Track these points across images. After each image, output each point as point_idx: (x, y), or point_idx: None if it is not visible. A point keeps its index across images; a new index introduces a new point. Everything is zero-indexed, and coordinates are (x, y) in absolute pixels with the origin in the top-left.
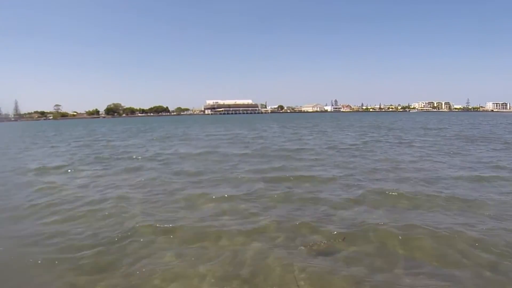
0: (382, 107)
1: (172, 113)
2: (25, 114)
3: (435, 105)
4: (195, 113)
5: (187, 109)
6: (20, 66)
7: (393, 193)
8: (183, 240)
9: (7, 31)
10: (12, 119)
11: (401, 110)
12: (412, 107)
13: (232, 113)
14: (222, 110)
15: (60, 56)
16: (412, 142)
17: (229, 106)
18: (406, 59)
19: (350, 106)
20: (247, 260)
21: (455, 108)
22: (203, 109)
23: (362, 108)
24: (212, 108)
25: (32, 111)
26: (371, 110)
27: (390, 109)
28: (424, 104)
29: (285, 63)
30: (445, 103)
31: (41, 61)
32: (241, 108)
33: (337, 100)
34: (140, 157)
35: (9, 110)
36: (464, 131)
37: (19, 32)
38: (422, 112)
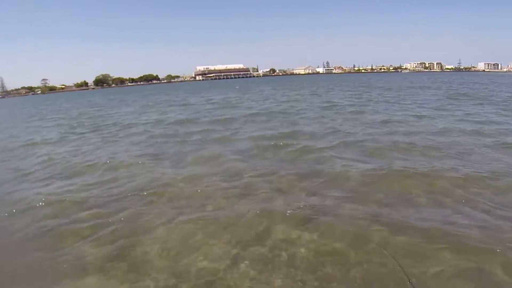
0: (374, 67)
1: (163, 81)
2: (12, 90)
3: (427, 65)
4: (186, 79)
5: (177, 76)
6: (3, 41)
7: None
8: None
9: None
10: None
11: (393, 70)
12: (404, 67)
13: (223, 78)
14: (213, 76)
15: (45, 29)
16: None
17: (220, 71)
18: (398, 18)
19: (342, 68)
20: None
21: (447, 68)
22: (193, 76)
23: (354, 69)
24: (203, 74)
25: (20, 87)
26: (363, 71)
27: (382, 70)
28: (416, 64)
29: (276, 26)
30: (436, 63)
31: (25, 35)
32: (232, 73)
33: (328, 62)
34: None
35: None
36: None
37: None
38: (414, 72)
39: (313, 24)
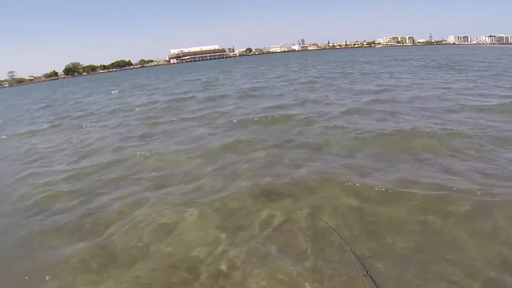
0: (348, 43)
1: (136, 66)
2: None
3: (399, 39)
4: (160, 63)
5: (151, 61)
6: None
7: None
8: None
9: None
10: None
11: (366, 46)
12: (378, 42)
13: (199, 60)
14: (188, 58)
15: (10, 18)
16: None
17: (195, 53)
18: None
19: (317, 45)
20: None
21: (419, 42)
22: (168, 59)
23: (329, 46)
24: (178, 57)
25: None
26: (337, 47)
27: (356, 46)
28: (389, 39)
29: (250, 5)
30: (408, 37)
31: None
32: (208, 54)
33: (304, 39)
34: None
35: None
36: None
37: None
38: (387, 47)
39: (287, 2)
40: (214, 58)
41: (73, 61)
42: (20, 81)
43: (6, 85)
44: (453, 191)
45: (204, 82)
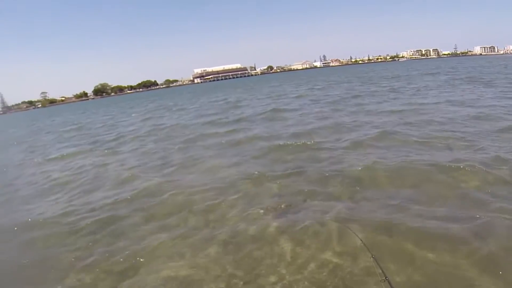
0: (371, 58)
1: (162, 86)
2: (13, 105)
3: (423, 52)
4: (184, 83)
5: (176, 81)
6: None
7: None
8: None
9: None
10: (0, 112)
11: (390, 60)
12: (401, 56)
13: (221, 79)
14: (211, 78)
15: (42, 41)
16: None
17: (217, 72)
18: (392, 7)
19: (339, 60)
20: None
21: (444, 54)
22: (192, 79)
23: (351, 61)
24: (201, 76)
25: (20, 102)
26: (360, 62)
27: (380, 60)
28: (413, 52)
29: (271, 23)
30: (433, 49)
31: (21, 49)
32: (230, 73)
33: (325, 55)
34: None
35: None
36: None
37: None
38: (411, 60)
39: (308, 19)
40: (236, 77)
41: (102, 82)
42: (52, 102)
43: (39, 106)
44: None
45: (228, 102)
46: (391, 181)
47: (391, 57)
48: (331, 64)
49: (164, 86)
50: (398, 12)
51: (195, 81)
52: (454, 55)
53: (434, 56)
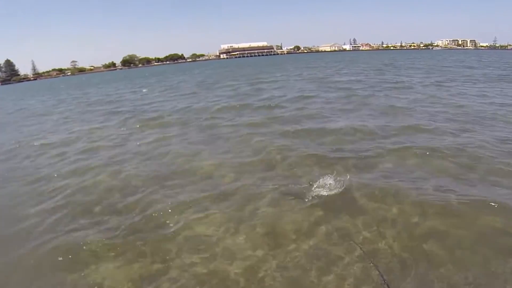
0: (403, 45)
1: (188, 60)
2: (43, 72)
3: (460, 42)
4: (210, 58)
5: (202, 55)
6: (36, 26)
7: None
8: None
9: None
10: (32, 78)
11: (423, 48)
12: (436, 44)
13: (247, 56)
14: (237, 54)
15: (72, 11)
16: None
17: (243, 49)
18: None
19: (370, 45)
20: None
21: (481, 46)
22: (218, 54)
23: (383, 47)
24: (227, 52)
25: (50, 69)
26: (391, 48)
27: (412, 47)
28: (448, 41)
29: (301, 2)
30: (470, 40)
31: (53, 19)
32: (256, 51)
33: (355, 38)
34: None
35: (27, 70)
36: None
37: None
38: (446, 49)
39: (340, 2)
40: (262, 55)
41: (130, 53)
42: (81, 70)
43: (68, 73)
44: None
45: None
46: None
47: (425, 45)
48: (361, 48)
49: (190, 60)
50: None
51: (221, 56)
52: (492, 47)
53: (471, 47)
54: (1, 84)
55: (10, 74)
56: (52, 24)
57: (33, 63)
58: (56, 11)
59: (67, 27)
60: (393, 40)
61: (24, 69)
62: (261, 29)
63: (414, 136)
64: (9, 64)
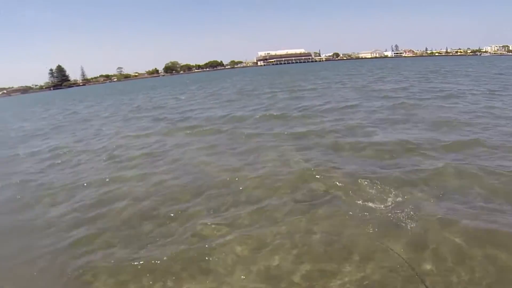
0: (449, 51)
1: (227, 67)
2: (91, 78)
3: (511, 48)
4: (248, 65)
5: (240, 62)
6: (85, 34)
7: None
8: None
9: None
10: (81, 83)
11: (470, 54)
12: (484, 50)
13: (284, 63)
14: (274, 61)
15: (118, 22)
16: None
17: (281, 56)
18: None
19: (413, 51)
20: None
21: None
22: (255, 61)
23: (427, 53)
24: (264, 59)
25: (98, 75)
26: (436, 54)
27: (459, 53)
28: (498, 47)
29: (341, 7)
30: None
31: (102, 28)
32: (293, 58)
33: (397, 45)
34: None
35: (76, 76)
36: None
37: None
38: (495, 56)
39: (379, 5)
40: (300, 62)
41: (172, 60)
42: (127, 77)
43: (114, 79)
44: None
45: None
46: None
47: (472, 51)
48: (403, 55)
49: (229, 67)
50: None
51: (258, 63)
52: None
53: None
54: (53, 89)
55: (61, 79)
56: (100, 32)
57: (82, 69)
58: (102, 19)
59: (113, 35)
60: (438, 46)
61: (73, 75)
62: (299, 36)
63: (475, 152)
64: (60, 70)
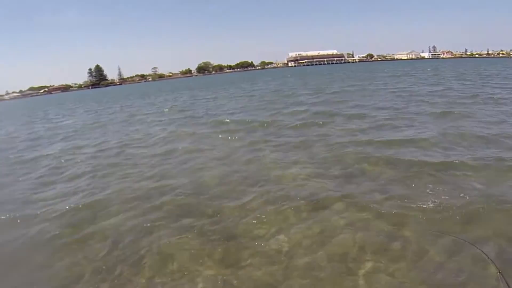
0: (490, 52)
1: (257, 68)
2: (127, 78)
3: None
4: (278, 66)
5: (270, 63)
6: (122, 35)
7: None
8: None
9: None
10: (118, 83)
11: None
12: None
13: (315, 64)
14: (305, 62)
15: (153, 24)
16: None
17: (312, 57)
18: None
19: (452, 52)
20: None
21: None
22: (286, 62)
23: (466, 54)
24: (295, 60)
25: (134, 75)
26: (476, 56)
27: (501, 55)
28: None
29: (375, 7)
30: None
31: (139, 30)
32: (325, 59)
33: (435, 46)
34: None
35: (114, 75)
36: None
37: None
38: None
39: (416, 4)
40: (332, 63)
41: (205, 60)
42: (161, 76)
43: (149, 79)
44: None
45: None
46: None
47: None
48: (441, 56)
49: (259, 67)
50: None
51: (289, 64)
52: None
53: None
54: (91, 88)
55: (99, 78)
56: (136, 32)
57: (119, 69)
58: (138, 19)
59: (148, 35)
60: (479, 47)
61: (110, 74)
62: (331, 37)
63: None
64: (98, 69)
